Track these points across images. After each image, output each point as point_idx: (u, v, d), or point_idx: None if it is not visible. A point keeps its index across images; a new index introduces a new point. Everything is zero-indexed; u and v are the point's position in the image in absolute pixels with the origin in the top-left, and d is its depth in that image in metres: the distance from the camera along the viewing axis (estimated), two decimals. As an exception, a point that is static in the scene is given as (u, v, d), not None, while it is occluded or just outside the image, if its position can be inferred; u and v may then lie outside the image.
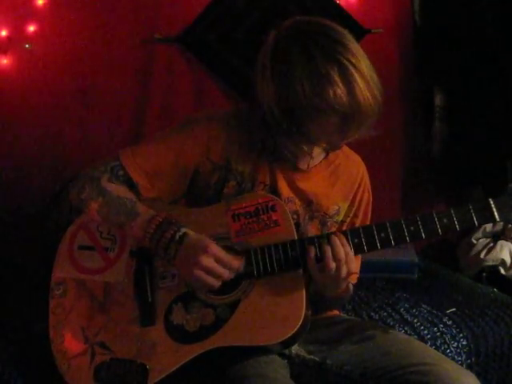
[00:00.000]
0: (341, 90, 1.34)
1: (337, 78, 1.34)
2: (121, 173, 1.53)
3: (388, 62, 2.95)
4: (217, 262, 1.40)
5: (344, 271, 1.44)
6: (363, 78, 1.36)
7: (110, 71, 2.55)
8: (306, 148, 1.50)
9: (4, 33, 2.38)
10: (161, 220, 1.43)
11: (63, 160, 2.50)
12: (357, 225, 1.65)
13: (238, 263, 1.43)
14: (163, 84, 2.64)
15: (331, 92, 1.33)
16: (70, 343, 1.51)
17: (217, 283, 1.41)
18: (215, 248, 1.40)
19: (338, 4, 2.78)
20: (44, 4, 2.42)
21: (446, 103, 3.00)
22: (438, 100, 3.00)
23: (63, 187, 2.24)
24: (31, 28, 2.41)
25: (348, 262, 1.43)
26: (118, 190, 1.50)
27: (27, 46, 2.40)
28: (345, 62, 1.34)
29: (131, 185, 1.53)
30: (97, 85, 2.54)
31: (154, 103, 2.64)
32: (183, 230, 1.42)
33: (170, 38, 2.60)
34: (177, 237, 1.41)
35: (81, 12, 2.47)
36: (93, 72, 2.53)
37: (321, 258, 1.43)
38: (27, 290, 2.10)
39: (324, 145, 1.49)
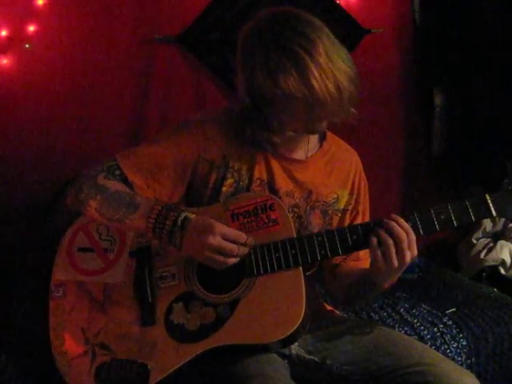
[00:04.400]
0: (293, 78, 1.36)
1: (289, 66, 1.36)
2: (117, 172, 1.53)
3: (388, 62, 2.95)
4: (225, 240, 1.39)
5: (408, 255, 1.41)
6: (319, 66, 1.37)
7: (110, 71, 2.55)
8: (277, 139, 1.51)
9: (4, 33, 2.38)
10: (160, 208, 1.43)
11: (63, 160, 2.50)
12: (360, 211, 1.67)
13: (244, 236, 1.42)
14: (163, 84, 2.64)
15: (282, 79, 1.36)
16: (70, 344, 1.51)
17: (231, 260, 1.41)
18: (220, 226, 1.40)
19: (338, 4, 2.79)
20: (44, 4, 2.42)
21: (446, 103, 3.00)
22: (438, 100, 3.01)
23: (62, 188, 2.25)
24: (31, 28, 2.41)
25: (410, 243, 1.41)
26: (115, 185, 1.50)
27: (27, 46, 2.40)
28: (299, 50, 1.36)
29: (127, 184, 1.53)
30: (97, 85, 2.54)
31: (154, 103, 2.64)
32: (183, 214, 1.41)
33: (170, 38, 2.60)
34: (178, 222, 1.40)
35: (81, 12, 2.47)
36: (93, 72, 2.53)
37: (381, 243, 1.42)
38: (27, 290, 2.10)
39: (296, 129, 1.49)
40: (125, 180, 1.53)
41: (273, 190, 1.58)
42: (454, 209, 1.46)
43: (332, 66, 1.38)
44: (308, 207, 1.61)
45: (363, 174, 1.71)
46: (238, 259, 1.42)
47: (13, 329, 1.91)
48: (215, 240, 1.38)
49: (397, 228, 1.42)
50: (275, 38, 1.38)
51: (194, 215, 1.42)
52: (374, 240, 1.43)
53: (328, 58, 1.38)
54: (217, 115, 1.60)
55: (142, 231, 1.46)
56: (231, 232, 1.41)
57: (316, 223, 1.62)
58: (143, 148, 1.57)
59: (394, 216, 1.44)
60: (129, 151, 1.56)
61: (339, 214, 1.66)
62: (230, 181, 1.57)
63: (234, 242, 1.40)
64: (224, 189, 1.56)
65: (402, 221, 1.43)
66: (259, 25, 1.43)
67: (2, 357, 1.72)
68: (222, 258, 1.39)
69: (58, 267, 1.58)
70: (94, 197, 1.49)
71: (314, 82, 1.36)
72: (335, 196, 1.64)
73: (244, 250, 1.42)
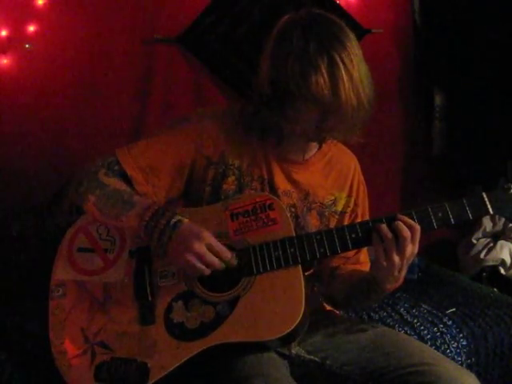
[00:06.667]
0: (324, 81, 1.36)
1: (323, 70, 1.37)
2: (116, 167, 1.55)
3: (388, 62, 2.96)
4: (209, 250, 1.41)
5: (408, 250, 1.42)
6: (351, 78, 1.38)
7: (110, 71, 2.56)
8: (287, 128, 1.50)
9: (4, 33, 2.39)
10: (157, 208, 1.45)
11: (63, 160, 2.50)
12: (359, 214, 1.68)
13: (229, 254, 1.43)
14: (163, 84, 2.65)
15: (314, 80, 1.36)
16: (69, 344, 1.51)
17: (206, 270, 1.42)
18: (208, 236, 1.42)
19: (338, 4, 2.80)
20: (44, 4, 2.42)
21: (446, 103, 3.01)
22: (438, 100, 3.01)
23: (63, 187, 2.25)
24: (31, 28, 2.41)
25: (414, 239, 1.42)
26: (114, 182, 1.52)
27: (27, 46, 2.40)
28: (336, 57, 1.37)
29: (126, 180, 1.54)
30: (97, 84, 2.55)
31: (154, 103, 2.65)
32: (178, 217, 1.44)
33: (170, 38, 2.61)
34: (171, 223, 1.42)
35: (81, 12, 2.48)
36: (93, 72, 2.53)
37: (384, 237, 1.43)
38: (27, 290, 2.10)
39: (299, 130, 1.49)
40: (123, 175, 1.54)
41: (272, 188, 1.59)
42: (451, 207, 1.47)
43: (359, 81, 1.40)
44: (305, 208, 1.62)
45: (362, 179, 1.72)
46: (209, 272, 1.42)
47: (13, 329, 1.91)
48: (200, 247, 1.39)
49: (401, 225, 1.42)
50: (318, 37, 1.39)
51: (187, 220, 1.44)
52: (376, 236, 1.44)
53: (358, 73, 1.40)
54: (216, 112, 1.62)
55: (135, 229, 1.47)
56: (218, 245, 1.42)
57: (313, 224, 1.62)
58: (142, 143, 1.58)
59: (399, 216, 1.44)
60: (128, 146, 1.58)
61: (337, 217, 1.66)
62: (231, 178, 1.58)
63: (217, 255, 1.42)
64: (225, 186, 1.57)
65: (406, 219, 1.43)
66: (303, 19, 1.44)
67: (2, 356, 1.72)
68: (200, 266, 1.40)
69: (58, 267, 1.59)
70: (93, 191, 1.51)
71: (341, 92, 1.37)
72: (332, 198, 1.65)
73: (223, 267, 1.43)
